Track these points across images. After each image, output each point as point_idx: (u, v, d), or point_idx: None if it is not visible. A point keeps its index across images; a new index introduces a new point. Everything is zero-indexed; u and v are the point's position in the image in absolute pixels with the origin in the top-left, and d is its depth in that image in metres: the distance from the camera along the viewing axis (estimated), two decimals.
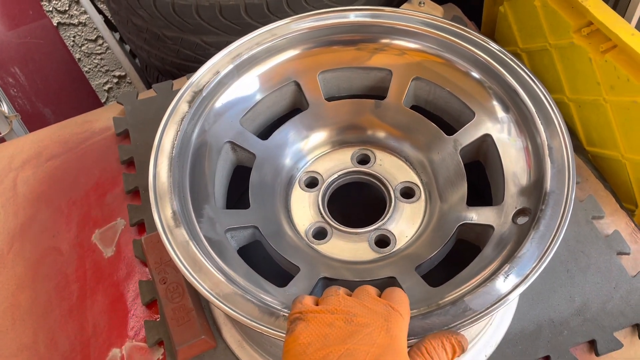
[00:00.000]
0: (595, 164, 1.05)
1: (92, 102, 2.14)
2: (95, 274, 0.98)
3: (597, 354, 0.83)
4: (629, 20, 1.05)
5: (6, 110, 1.41)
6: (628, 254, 0.92)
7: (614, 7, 1.06)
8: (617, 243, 0.92)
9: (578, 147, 1.06)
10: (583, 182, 1.01)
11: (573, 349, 0.83)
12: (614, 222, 0.95)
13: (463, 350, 0.58)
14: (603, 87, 0.95)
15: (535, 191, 0.70)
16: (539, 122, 0.72)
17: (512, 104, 0.77)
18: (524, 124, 0.75)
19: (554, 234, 0.64)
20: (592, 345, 0.84)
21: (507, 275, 0.62)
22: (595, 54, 0.94)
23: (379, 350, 0.52)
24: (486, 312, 0.59)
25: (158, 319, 0.90)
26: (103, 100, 2.19)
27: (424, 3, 1.19)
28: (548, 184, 0.68)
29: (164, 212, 0.69)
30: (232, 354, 0.84)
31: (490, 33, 1.27)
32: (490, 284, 0.61)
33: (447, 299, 0.62)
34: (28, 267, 0.99)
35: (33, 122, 1.90)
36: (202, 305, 0.87)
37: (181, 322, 0.82)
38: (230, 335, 0.85)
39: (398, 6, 1.19)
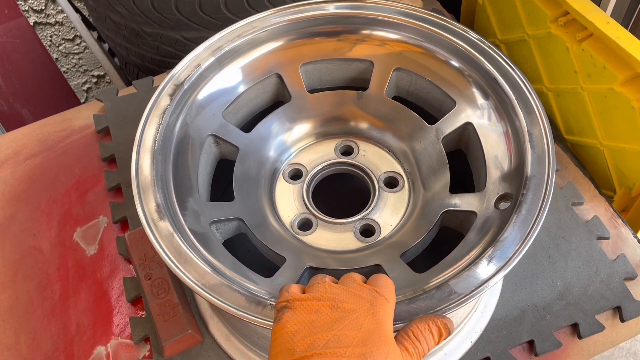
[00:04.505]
0: (574, 152, 1.07)
1: (71, 102, 2.11)
2: (77, 272, 0.96)
3: (580, 337, 0.84)
4: (605, 9, 1.07)
5: None
6: (608, 238, 0.93)
7: None
8: (596, 228, 0.93)
9: (557, 136, 1.08)
10: (562, 169, 1.02)
11: (556, 333, 0.85)
12: (593, 207, 0.97)
13: (449, 333, 0.59)
14: (580, 75, 0.97)
15: (517, 176, 0.71)
16: (518, 107, 0.73)
17: (492, 91, 0.78)
18: (504, 110, 0.76)
19: (535, 217, 0.65)
20: (575, 328, 0.85)
21: (491, 259, 0.62)
22: (572, 43, 0.96)
23: (365, 335, 0.52)
24: (471, 295, 0.60)
25: (143, 315, 0.89)
26: (82, 101, 2.16)
27: None
28: (529, 168, 0.69)
29: (147, 205, 0.69)
30: (219, 347, 0.83)
31: (469, 25, 1.29)
32: (474, 267, 0.62)
33: (432, 284, 0.63)
34: (8, 267, 0.98)
35: (11, 122, 1.87)
36: (187, 300, 0.87)
37: (167, 317, 0.81)
38: (217, 329, 0.84)
39: None
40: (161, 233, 0.66)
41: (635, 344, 1.40)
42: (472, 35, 0.81)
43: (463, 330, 0.82)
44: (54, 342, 0.90)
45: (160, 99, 0.79)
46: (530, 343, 0.84)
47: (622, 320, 0.86)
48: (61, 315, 0.92)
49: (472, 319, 0.83)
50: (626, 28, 0.97)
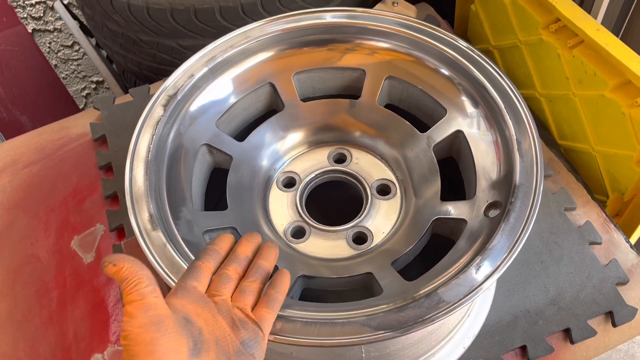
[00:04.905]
0: (567, 157, 1.07)
1: (70, 108, 2.12)
2: (75, 280, 0.97)
3: (572, 342, 0.85)
4: (595, 17, 1.08)
5: None
6: (600, 243, 0.94)
7: (581, 4, 1.09)
8: (589, 233, 0.94)
9: (550, 141, 1.09)
10: (555, 174, 1.03)
11: (549, 338, 0.85)
12: (585, 213, 0.98)
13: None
14: (572, 81, 0.98)
15: (505, 184, 0.71)
16: (507, 115, 0.74)
17: (481, 99, 0.78)
18: (493, 118, 0.76)
19: (523, 225, 0.65)
20: (567, 333, 0.86)
21: (479, 267, 0.63)
22: (563, 49, 0.97)
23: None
24: (459, 303, 0.60)
25: None
26: (81, 107, 2.17)
27: (397, 3, 1.21)
28: (517, 177, 0.70)
29: (140, 216, 0.70)
30: None
31: (463, 31, 1.30)
32: (462, 275, 0.63)
33: (421, 292, 0.63)
34: (7, 274, 0.99)
35: (10, 129, 1.89)
36: None
37: None
38: None
39: (372, 6, 1.21)
40: (154, 243, 0.67)
41: (632, 346, 1.41)
42: (461, 43, 0.82)
43: (456, 336, 0.83)
44: (52, 349, 0.91)
45: (154, 110, 0.80)
46: (523, 348, 0.85)
47: (614, 325, 0.86)
48: (59, 323, 0.93)
49: (465, 324, 0.84)
50: (617, 36, 0.98)
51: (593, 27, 0.90)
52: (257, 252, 0.63)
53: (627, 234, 0.98)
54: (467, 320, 0.84)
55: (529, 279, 0.90)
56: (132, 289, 0.50)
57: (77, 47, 2.00)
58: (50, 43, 1.95)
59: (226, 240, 0.63)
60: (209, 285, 0.59)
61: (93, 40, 1.73)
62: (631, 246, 0.94)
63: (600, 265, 0.91)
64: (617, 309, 0.87)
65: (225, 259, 0.61)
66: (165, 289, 0.85)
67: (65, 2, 1.74)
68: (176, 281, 0.64)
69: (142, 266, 0.52)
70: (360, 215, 0.84)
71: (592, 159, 1.01)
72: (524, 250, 0.92)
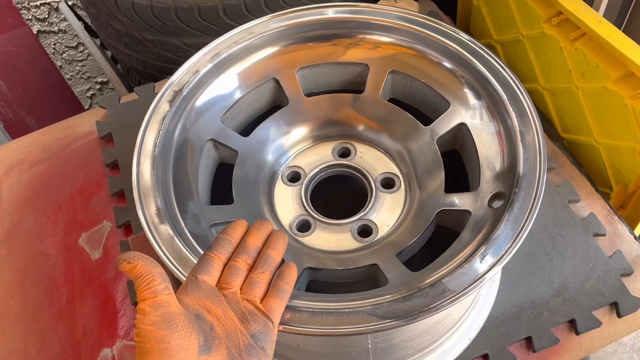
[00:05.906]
0: (571, 150, 1.08)
1: (75, 109, 2.14)
2: (83, 276, 0.98)
3: (577, 333, 0.85)
4: (597, 9, 1.08)
5: None
6: (604, 235, 0.94)
7: None
8: (593, 225, 0.94)
9: (554, 135, 1.09)
10: (559, 167, 1.03)
11: (554, 329, 0.86)
12: (589, 205, 0.98)
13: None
14: (574, 74, 0.98)
15: (509, 175, 0.72)
16: (510, 107, 0.75)
17: (484, 90, 0.79)
18: (496, 110, 0.77)
19: (527, 215, 0.66)
20: (572, 324, 0.86)
21: (484, 257, 0.64)
22: (565, 42, 0.97)
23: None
24: (464, 292, 0.61)
25: None
26: (86, 107, 2.19)
27: None
28: (521, 167, 0.70)
29: (148, 210, 0.70)
30: None
31: (466, 26, 1.30)
32: (467, 265, 0.63)
33: (426, 282, 0.64)
34: (16, 272, 1.00)
35: (16, 130, 1.90)
36: None
37: None
38: None
39: (375, 2, 1.21)
40: (162, 236, 0.68)
41: (639, 340, 1.40)
42: (463, 36, 0.82)
43: (461, 328, 0.84)
44: (62, 345, 0.92)
45: (160, 105, 0.81)
46: (528, 339, 0.85)
47: (619, 315, 0.87)
48: (68, 319, 0.94)
49: (470, 316, 0.84)
50: (619, 28, 0.99)
51: (595, 20, 0.90)
52: (266, 241, 0.64)
53: (632, 225, 0.98)
54: (473, 312, 0.85)
55: (534, 271, 0.90)
56: (145, 287, 0.52)
57: (81, 48, 2.02)
58: (55, 44, 1.96)
59: (239, 229, 0.64)
60: (220, 277, 0.59)
61: (98, 41, 1.74)
62: (635, 238, 0.95)
63: (604, 257, 0.91)
64: (622, 300, 0.87)
65: (236, 249, 0.62)
66: (173, 281, 0.86)
67: (69, 3, 1.76)
68: (184, 273, 0.65)
69: (155, 264, 0.54)
70: (365, 209, 0.84)
71: (596, 152, 1.01)
72: (528, 242, 0.93)
